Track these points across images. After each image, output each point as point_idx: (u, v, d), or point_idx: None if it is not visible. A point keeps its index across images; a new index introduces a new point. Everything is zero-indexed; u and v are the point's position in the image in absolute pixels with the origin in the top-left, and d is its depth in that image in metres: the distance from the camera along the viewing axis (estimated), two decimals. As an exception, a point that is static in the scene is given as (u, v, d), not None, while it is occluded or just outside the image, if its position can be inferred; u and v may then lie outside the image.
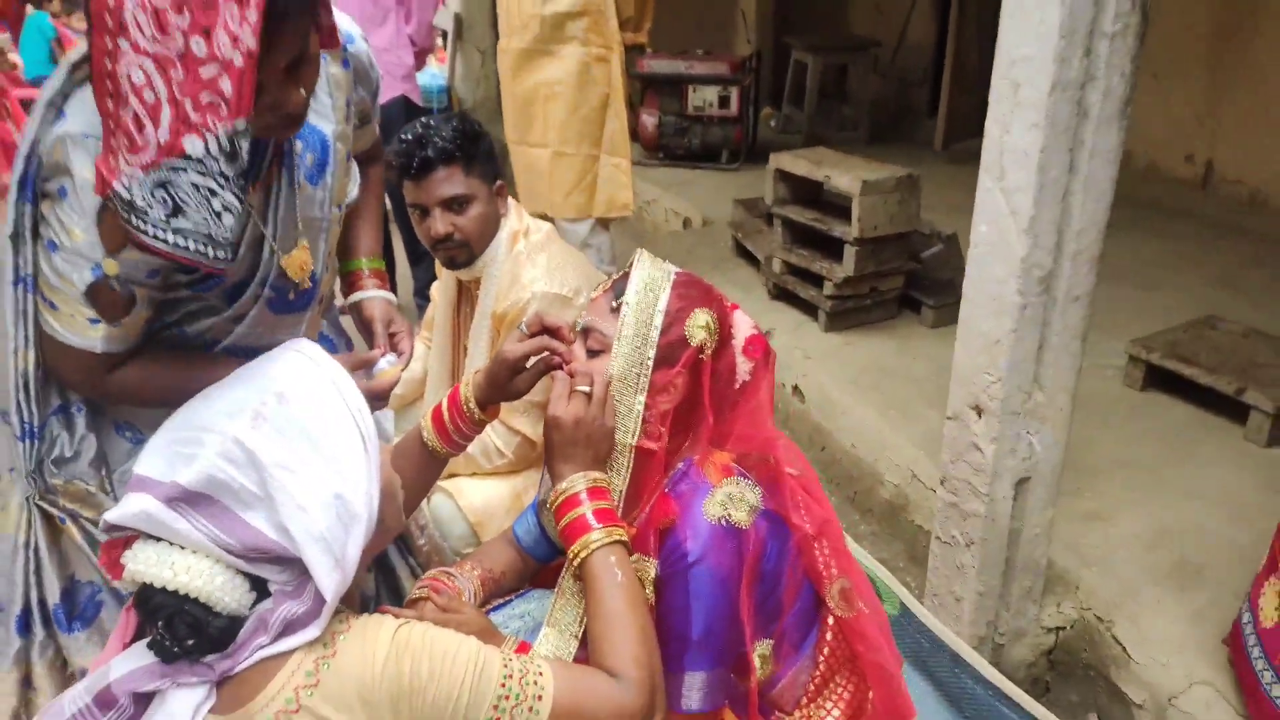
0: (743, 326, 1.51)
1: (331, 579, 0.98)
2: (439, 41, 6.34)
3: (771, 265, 3.62)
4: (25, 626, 1.51)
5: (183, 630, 0.97)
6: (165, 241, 1.06)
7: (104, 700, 1.01)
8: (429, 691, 0.99)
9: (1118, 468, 2.57)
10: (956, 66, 5.63)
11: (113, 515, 0.99)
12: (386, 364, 1.64)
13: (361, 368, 1.59)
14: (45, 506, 1.45)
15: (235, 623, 0.99)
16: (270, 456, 0.99)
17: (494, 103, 5.08)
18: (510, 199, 2.21)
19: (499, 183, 2.13)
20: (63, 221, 1.21)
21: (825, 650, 1.56)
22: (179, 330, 1.42)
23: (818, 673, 1.56)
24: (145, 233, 1.06)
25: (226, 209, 1.07)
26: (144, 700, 1.02)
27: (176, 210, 1.05)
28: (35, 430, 1.39)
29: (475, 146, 2.06)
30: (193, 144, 1.02)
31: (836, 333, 3.39)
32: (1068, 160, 1.66)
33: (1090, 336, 3.14)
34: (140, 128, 1.01)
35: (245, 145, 1.07)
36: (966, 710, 1.93)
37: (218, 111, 1.01)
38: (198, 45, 0.98)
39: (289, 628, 0.99)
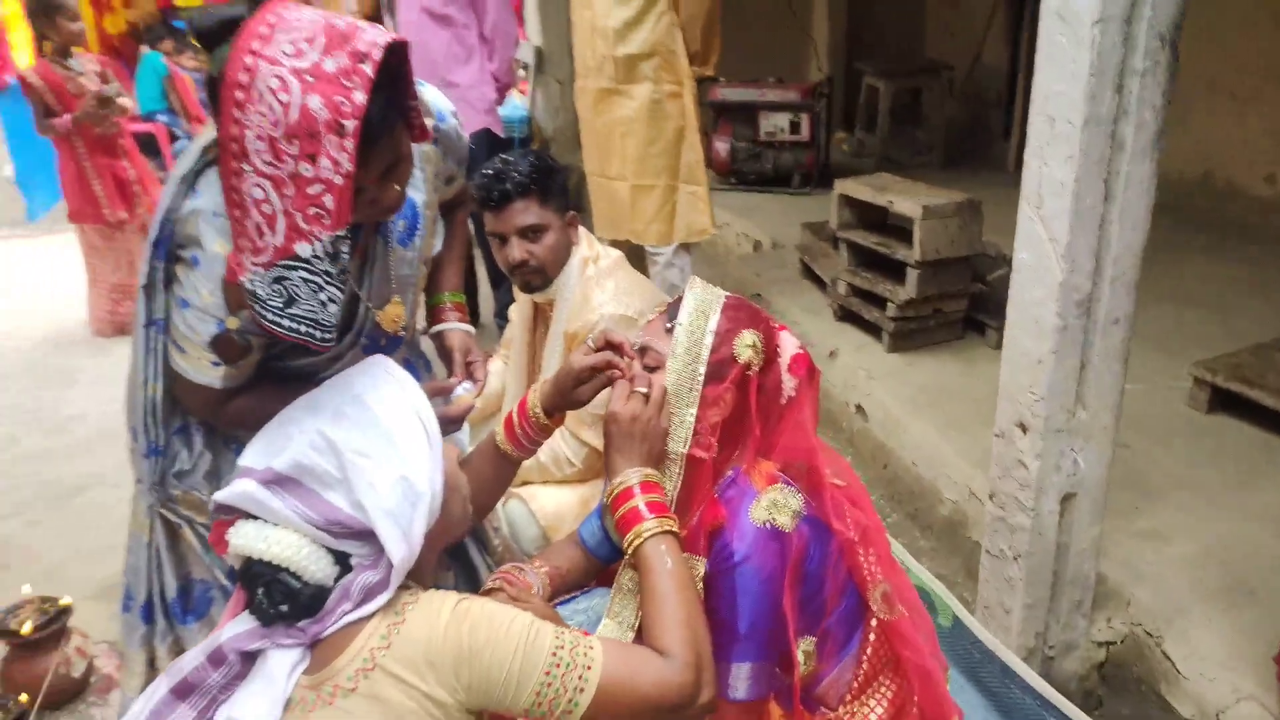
0: (789, 346, 1.64)
1: (399, 548, 1.14)
2: (520, 74, 6.61)
3: (836, 287, 3.72)
4: (148, 615, 1.74)
5: (278, 596, 1.14)
6: (281, 326, 1.25)
7: (215, 658, 1.19)
8: (485, 655, 1.13)
9: (1177, 488, 2.60)
10: (1030, 88, 5.64)
11: (221, 495, 1.19)
12: (463, 390, 1.83)
13: (440, 394, 1.78)
14: (166, 514, 1.67)
15: (322, 592, 1.16)
16: (348, 445, 1.16)
17: (572, 130, 5.28)
18: (581, 228, 2.38)
19: (571, 214, 2.31)
20: (194, 285, 1.42)
21: (869, 651, 1.66)
22: (284, 365, 1.61)
23: (861, 672, 1.66)
24: (265, 318, 1.25)
25: (331, 300, 1.26)
26: (249, 660, 1.19)
27: (291, 301, 1.24)
28: (159, 448, 1.62)
29: (550, 181, 2.24)
30: (302, 248, 1.20)
31: (899, 353, 3.47)
32: (1103, 190, 1.75)
33: (1157, 358, 3.18)
34: (261, 234, 1.20)
35: (346, 248, 1.26)
36: (1016, 719, 2.00)
37: (322, 222, 1.19)
38: (305, 169, 1.16)
39: (368, 595, 1.16)
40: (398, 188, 1.37)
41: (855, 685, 1.66)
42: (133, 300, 4.77)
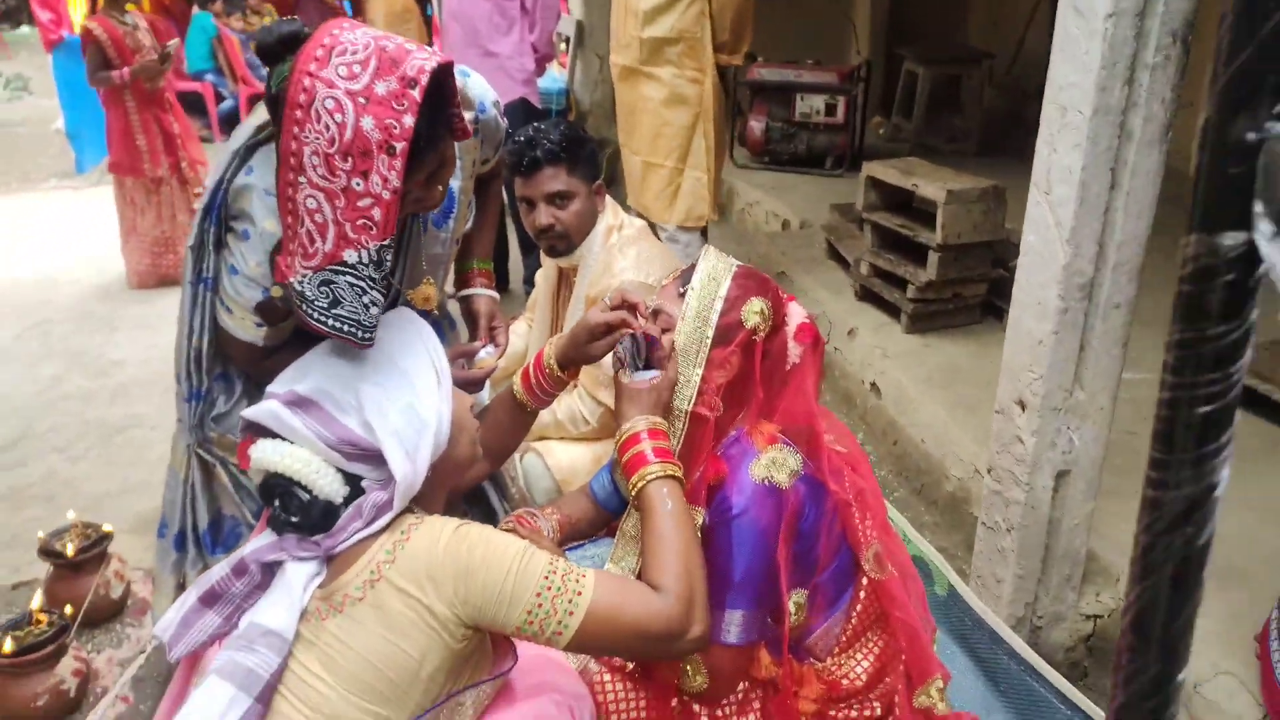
0: (796, 315, 1.72)
1: (402, 466, 1.25)
2: (561, 47, 6.68)
3: (859, 267, 3.78)
4: (181, 544, 1.88)
5: (291, 508, 1.27)
6: (326, 324, 1.34)
7: (239, 569, 1.31)
8: (480, 573, 1.23)
9: (1180, 476, 2.65)
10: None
11: (248, 412, 1.31)
12: (485, 354, 1.94)
13: (464, 356, 1.89)
14: (202, 454, 1.80)
15: (331, 508, 1.27)
16: (364, 376, 1.31)
17: (609, 104, 5.36)
18: (608, 198, 2.47)
19: (598, 183, 2.40)
20: (244, 255, 1.55)
21: (858, 607, 1.76)
22: None
23: (850, 626, 1.76)
24: (311, 316, 1.34)
25: (374, 303, 1.34)
26: (269, 572, 1.31)
27: (336, 302, 1.33)
28: (201, 393, 1.75)
29: (579, 150, 2.33)
30: (350, 255, 1.30)
31: (917, 334, 3.53)
32: (1109, 178, 1.81)
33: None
34: (312, 241, 1.30)
35: (390, 255, 1.34)
36: (1001, 684, 2.08)
37: (369, 232, 1.28)
38: (357, 184, 1.26)
39: (378, 513, 1.27)
40: (441, 188, 1.47)
41: (844, 639, 1.75)
42: (173, 253, 4.92)
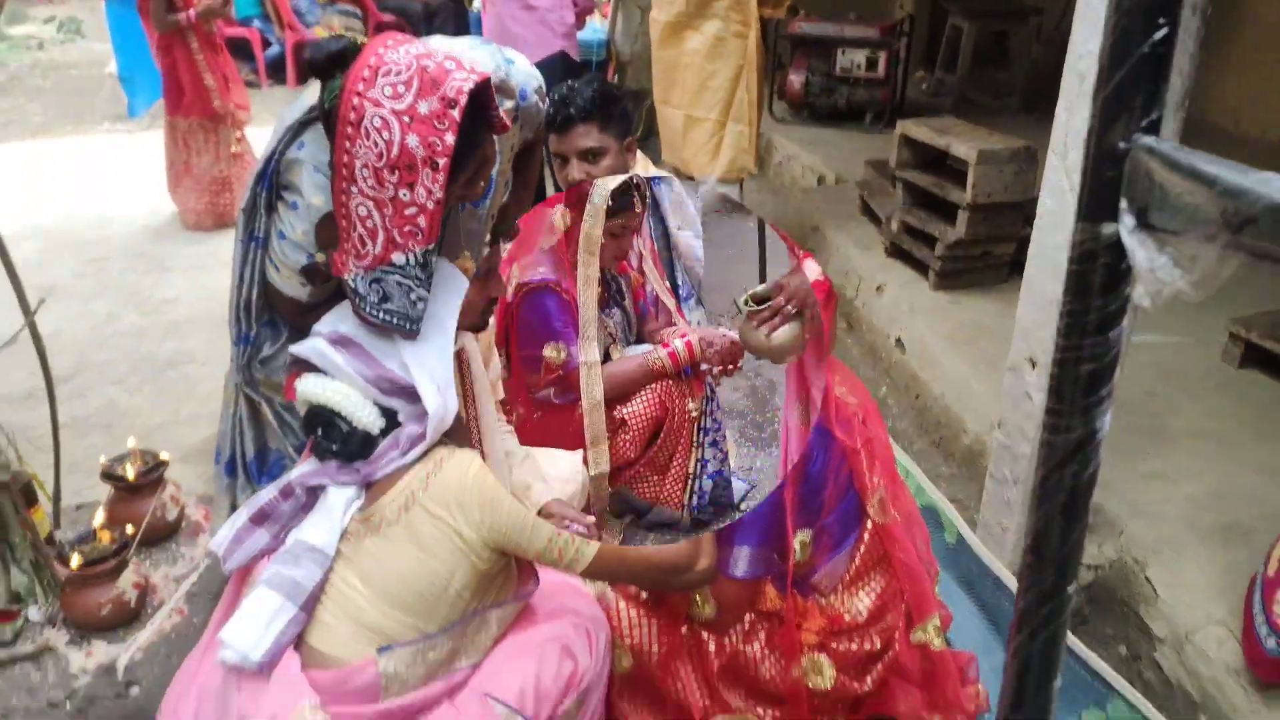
0: (810, 272, 1.81)
1: (434, 400, 1.39)
2: (601, -1, 6.67)
3: (890, 224, 3.82)
4: (231, 470, 2.03)
5: (334, 436, 1.40)
6: (377, 317, 1.46)
7: (285, 491, 1.45)
8: (504, 505, 1.36)
9: (1194, 437, 2.71)
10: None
11: (295, 348, 1.44)
12: None
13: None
14: (249, 392, 1.94)
15: (369, 438, 1.40)
16: None
17: (649, 56, 5.39)
18: (640, 154, 2.54)
19: (629, 139, 2.47)
20: (292, 224, 1.68)
21: (862, 549, 1.86)
22: None
23: (854, 567, 1.86)
24: (364, 310, 1.46)
25: (419, 299, 1.46)
26: (313, 495, 1.44)
27: (385, 298, 1.45)
28: (249, 338, 1.89)
29: (611, 108, 2.40)
30: (398, 257, 1.42)
31: (944, 291, 3.57)
32: (1123, 143, 1.85)
33: (1200, 314, 3.23)
34: (363, 244, 1.42)
35: (434, 258, 1.46)
36: (1003, 627, 2.18)
37: (415, 238, 1.40)
38: (404, 194, 1.37)
39: (412, 444, 1.40)
40: (483, 184, 1.59)
41: (847, 578, 1.86)
42: (229, 192, 5.03)
